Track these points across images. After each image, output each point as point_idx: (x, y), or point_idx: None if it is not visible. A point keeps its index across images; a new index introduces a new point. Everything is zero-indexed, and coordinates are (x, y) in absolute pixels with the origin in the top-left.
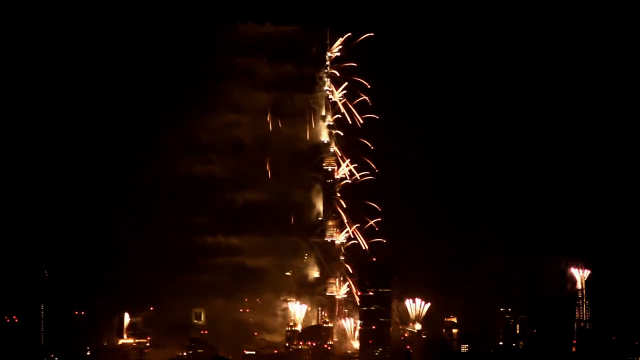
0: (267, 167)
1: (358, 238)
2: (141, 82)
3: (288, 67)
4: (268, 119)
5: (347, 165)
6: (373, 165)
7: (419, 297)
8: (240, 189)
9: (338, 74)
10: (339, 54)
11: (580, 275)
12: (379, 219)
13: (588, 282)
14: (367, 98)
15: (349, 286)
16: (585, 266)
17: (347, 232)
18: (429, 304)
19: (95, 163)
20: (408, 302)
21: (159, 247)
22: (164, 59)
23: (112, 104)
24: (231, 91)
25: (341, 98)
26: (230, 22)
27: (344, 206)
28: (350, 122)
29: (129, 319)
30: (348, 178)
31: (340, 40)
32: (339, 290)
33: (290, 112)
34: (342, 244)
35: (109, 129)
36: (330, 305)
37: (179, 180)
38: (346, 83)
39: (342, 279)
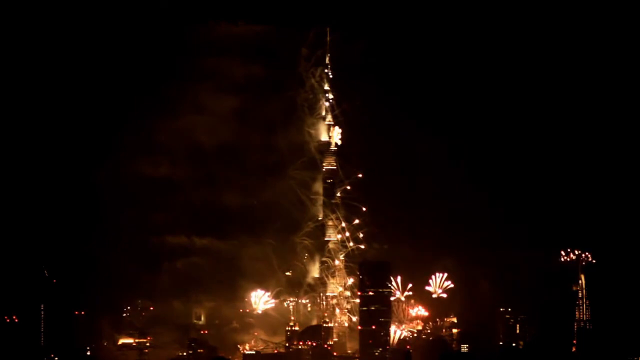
0: (264, 170)
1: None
2: (112, 82)
3: (258, 68)
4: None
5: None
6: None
7: (418, 296)
8: (239, 190)
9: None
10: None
11: (580, 274)
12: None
13: (588, 282)
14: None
15: (347, 286)
16: (585, 266)
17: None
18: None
19: (94, 161)
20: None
21: (153, 247)
22: (133, 59)
23: (85, 102)
24: (213, 92)
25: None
26: (203, 21)
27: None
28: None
29: (129, 319)
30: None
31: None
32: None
33: (268, 113)
34: (341, 243)
35: (92, 127)
36: (329, 304)
37: (176, 181)
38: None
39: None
